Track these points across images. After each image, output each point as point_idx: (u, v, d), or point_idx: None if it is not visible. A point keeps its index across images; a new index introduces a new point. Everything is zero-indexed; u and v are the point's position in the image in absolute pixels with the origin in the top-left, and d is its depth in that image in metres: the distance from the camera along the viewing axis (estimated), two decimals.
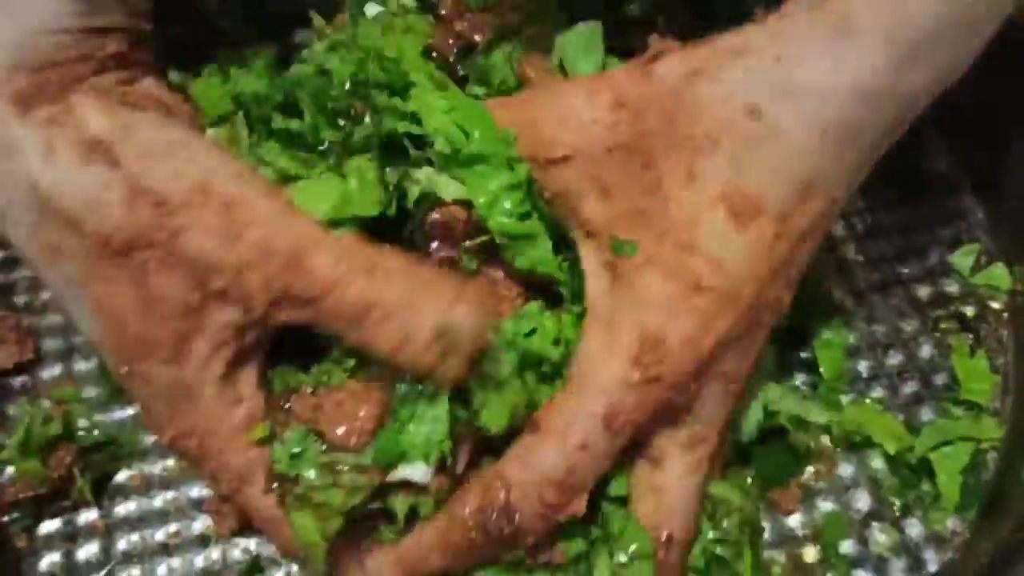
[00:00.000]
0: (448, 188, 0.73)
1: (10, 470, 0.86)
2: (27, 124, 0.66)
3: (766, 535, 0.83)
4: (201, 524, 0.85)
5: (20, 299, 0.98)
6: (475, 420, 0.70)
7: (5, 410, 0.90)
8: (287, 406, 0.72)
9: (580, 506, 0.69)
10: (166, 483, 0.87)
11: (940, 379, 0.91)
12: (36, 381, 0.93)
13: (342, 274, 0.66)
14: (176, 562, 0.83)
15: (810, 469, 0.86)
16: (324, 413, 0.70)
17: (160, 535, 0.84)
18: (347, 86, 0.74)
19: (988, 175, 1.02)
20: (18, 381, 0.93)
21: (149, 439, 0.89)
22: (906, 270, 0.98)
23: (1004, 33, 0.93)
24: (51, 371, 0.93)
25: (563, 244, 0.75)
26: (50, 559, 0.84)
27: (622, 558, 0.71)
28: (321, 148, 0.74)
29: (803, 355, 0.91)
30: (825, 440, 0.87)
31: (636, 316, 0.67)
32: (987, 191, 1.02)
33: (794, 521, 0.84)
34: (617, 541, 0.72)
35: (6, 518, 0.84)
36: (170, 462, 0.88)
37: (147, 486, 0.87)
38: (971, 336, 0.94)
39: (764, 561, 0.82)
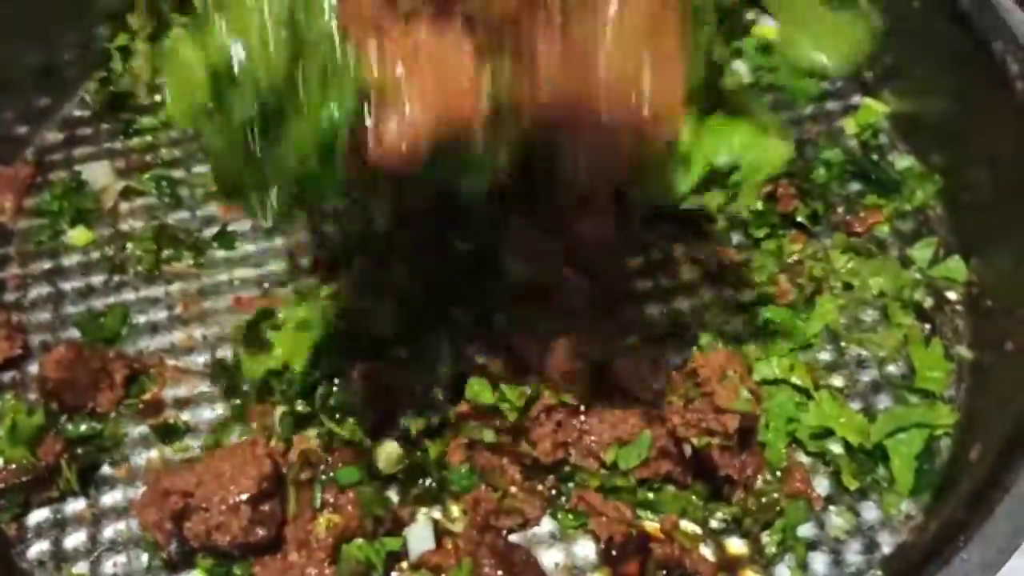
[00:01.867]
0: None
1: None
2: None
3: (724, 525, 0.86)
4: None
5: (9, 296, 1.01)
6: None
7: None
8: None
9: None
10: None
11: (897, 368, 0.95)
12: (24, 376, 0.96)
13: None
14: None
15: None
16: None
17: None
18: None
19: (947, 172, 1.05)
20: (7, 376, 0.96)
21: (135, 431, 0.92)
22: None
23: (963, 45, 0.98)
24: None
25: None
26: (39, 547, 0.87)
27: None
28: None
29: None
30: None
31: None
32: (946, 187, 1.05)
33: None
34: None
35: None
36: (153, 453, 0.91)
37: (132, 477, 0.90)
38: (928, 326, 0.97)
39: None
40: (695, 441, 0.81)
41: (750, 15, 1.17)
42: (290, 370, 0.90)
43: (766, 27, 1.17)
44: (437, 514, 0.87)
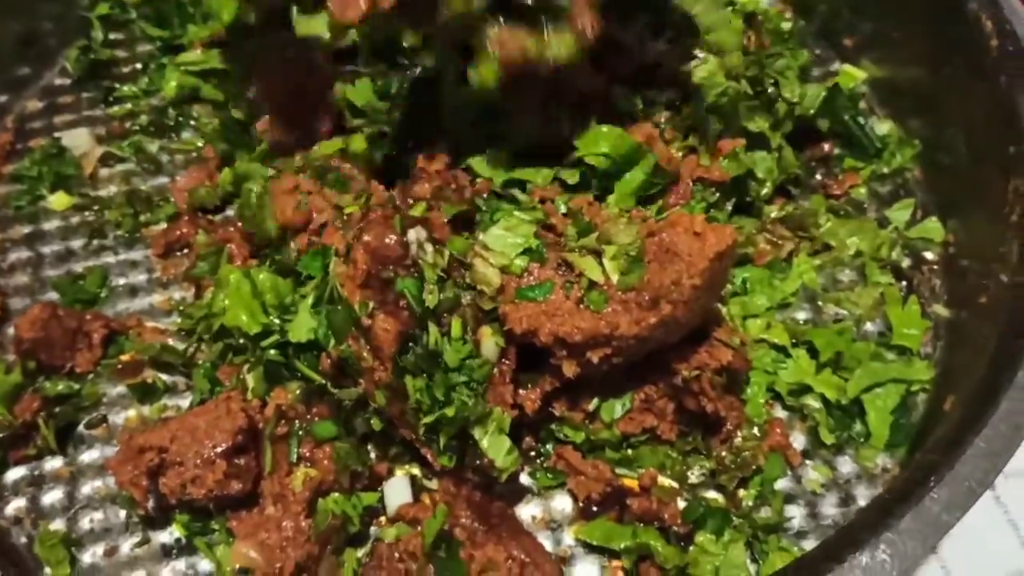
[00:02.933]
0: None
1: None
2: None
3: (702, 478, 0.87)
4: None
5: None
6: None
7: None
8: None
9: None
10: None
11: (874, 326, 0.95)
12: (3, 338, 0.96)
13: None
14: None
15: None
16: None
17: None
18: None
19: (925, 136, 1.05)
20: None
21: (113, 391, 0.92)
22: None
23: (938, 8, 0.98)
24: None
25: None
26: (16, 504, 0.87)
27: None
28: None
29: None
30: None
31: None
32: (924, 151, 1.05)
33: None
34: None
35: None
36: (131, 412, 0.91)
37: (110, 436, 0.90)
38: (905, 285, 0.97)
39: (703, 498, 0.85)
40: (685, 373, 0.81)
41: None
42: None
43: None
44: (416, 471, 0.87)
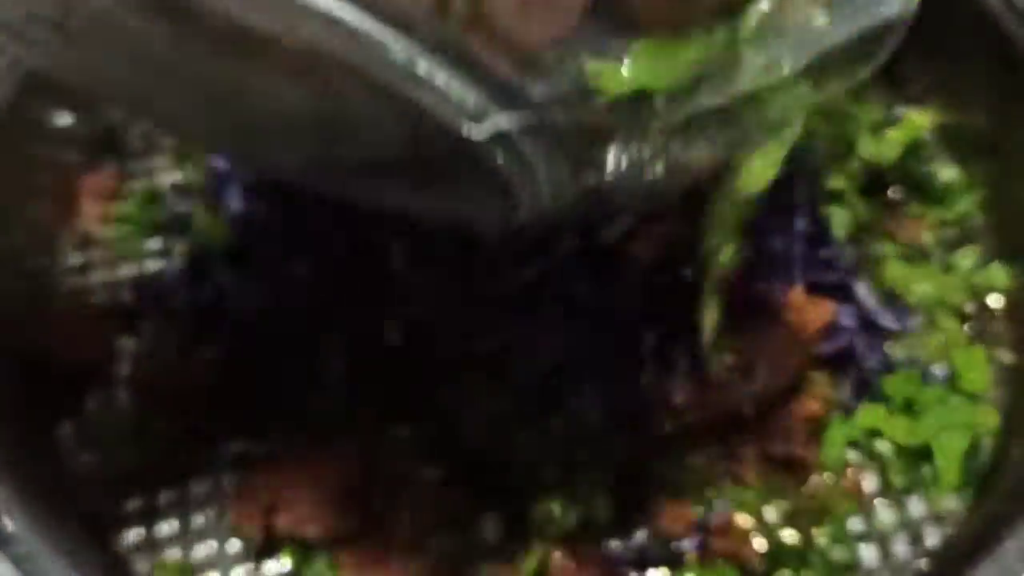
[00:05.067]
0: None
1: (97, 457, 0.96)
2: None
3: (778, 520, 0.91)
4: None
5: (97, 300, 1.08)
6: None
7: (85, 403, 1.00)
8: None
9: None
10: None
11: (940, 370, 0.99)
12: (111, 376, 1.02)
13: None
14: None
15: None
16: None
17: None
18: None
19: (989, 183, 1.09)
20: (98, 374, 1.02)
21: None
22: None
23: (1004, 60, 1.02)
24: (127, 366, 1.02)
25: None
26: (135, 531, 0.93)
27: None
28: None
29: None
30: None
31: None
32: (988, 197, 1.09)
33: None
34: None
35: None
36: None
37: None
38: (969, 330, 1.01)
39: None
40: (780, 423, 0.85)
41: None
42: None
43: None
44: None
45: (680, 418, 0.82)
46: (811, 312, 0.81)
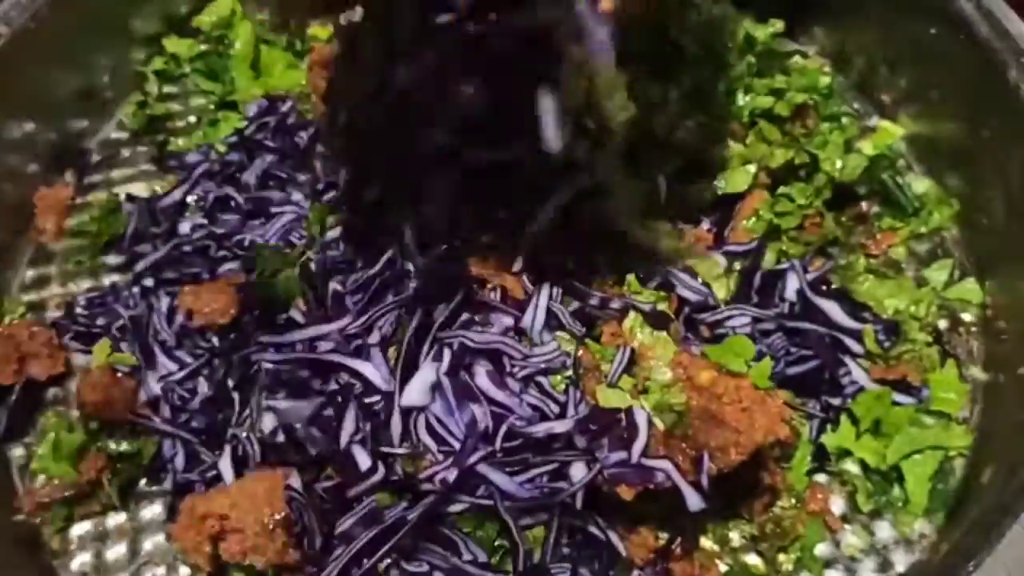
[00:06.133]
0: None
1: (42, 477, 0.93)
2: None
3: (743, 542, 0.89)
4: None
5: (52, 315, 1.05)
6: None
7: (37, 420, 0.98)
8: None
9: None
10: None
11: (911, 390, 0.96)
12: (67, 393, 1.00)
13: None
14: None
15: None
16: None
17: None
18: None
19: (963, 195, 1.07)
20: (50, 393, 1.00)
21: (168, 452, 0.95)
22: None
23: (979, 71, 1.00)
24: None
25: None
26: (81, 559, 0.91)
27: None
28: None
29: None
30: None
31: None
32: (962, 210, 1.07)
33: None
34: None
35: (39, 520, 0.91)
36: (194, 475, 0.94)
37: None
38: (943, 348, 0.99)
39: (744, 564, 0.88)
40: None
41: None
42: None
43: None
44: None
45: None
46: (759, 413, 0.79)
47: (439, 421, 0.84)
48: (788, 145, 1.03)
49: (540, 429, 0.82)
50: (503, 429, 0.82)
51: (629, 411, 0.80)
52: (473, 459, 0.82)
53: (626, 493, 0.79)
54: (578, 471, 0.81)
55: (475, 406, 0.83)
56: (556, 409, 0.83)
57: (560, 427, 0.82)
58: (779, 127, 1.06)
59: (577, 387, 0.84)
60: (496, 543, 0.85)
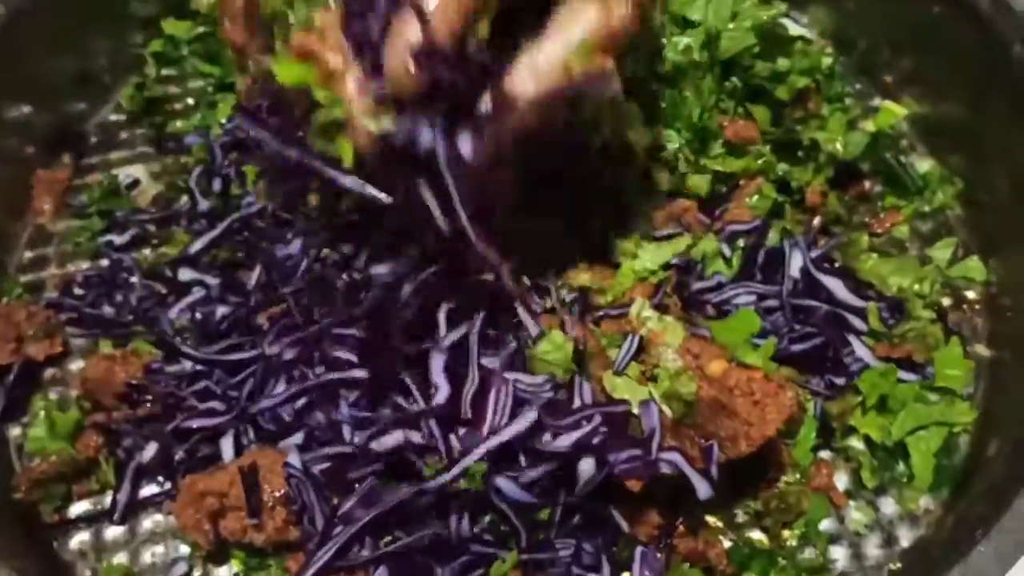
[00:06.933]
0: None
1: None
2: None
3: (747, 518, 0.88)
4: None
5: (49, 295, 1.04)
6: None
7: (35, 400, 0.97)
8: None
9: None
10: (189, 468, 0.92)
11: (917, 366, 0.95)
12: (64, 373, 0.99)
13: None
14: None
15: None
16: None
17: None
18: None
19: (966, 174, 1.06)
20: (48, 373, 0.99)
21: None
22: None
23: (982, 49, 0.99)
24: (78, 363, 0.99)
25: None
26: (80, 538, 0.90)
27: None
28: None
29: None
30: None
31: None
32: (965, 189, 1.06)
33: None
34: None
35: (36, 498, 0.90)
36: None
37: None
38: (946, 326, 0.98)
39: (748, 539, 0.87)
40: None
41: None
42: None
43: None
44: None
45: None
46: (771, 407, 0.78)
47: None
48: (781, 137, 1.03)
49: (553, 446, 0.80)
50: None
51: (641, 409, 0.80)
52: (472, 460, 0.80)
53: (634, 485, 0.78)
54: (587, 466, 0.79)
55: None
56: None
57: (567, 441, 0.80)
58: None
59: (583, 377, 0.83)
60: (502, 528, 0.84)
